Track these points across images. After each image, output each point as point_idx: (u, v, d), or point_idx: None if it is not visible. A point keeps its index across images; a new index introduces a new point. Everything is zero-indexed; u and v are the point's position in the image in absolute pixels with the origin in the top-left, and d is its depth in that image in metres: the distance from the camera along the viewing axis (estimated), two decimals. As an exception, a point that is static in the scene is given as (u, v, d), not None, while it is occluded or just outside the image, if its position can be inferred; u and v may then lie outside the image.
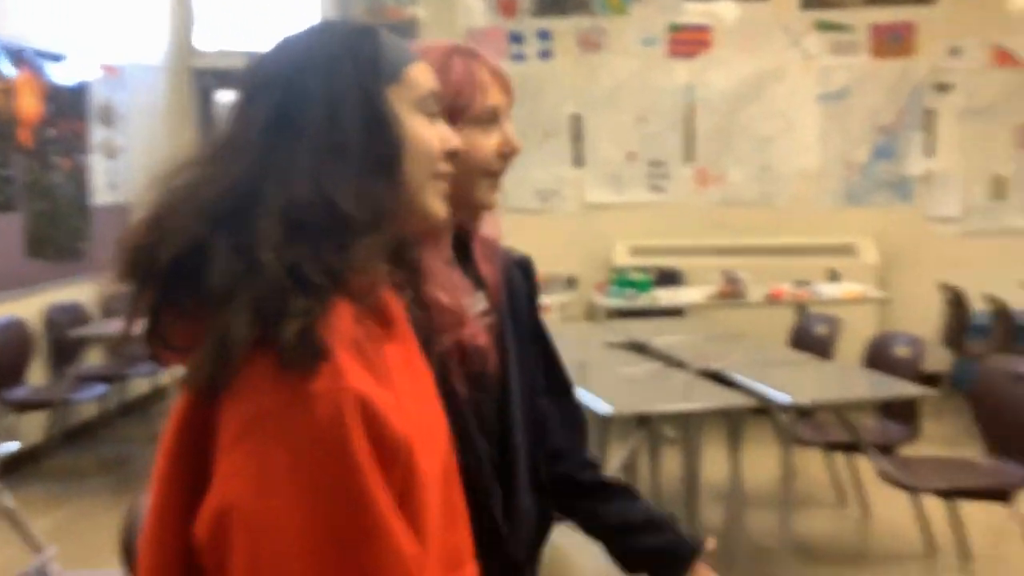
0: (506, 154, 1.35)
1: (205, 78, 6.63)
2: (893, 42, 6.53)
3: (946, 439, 5.08)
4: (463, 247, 1.41)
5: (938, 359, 5.79)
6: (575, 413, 1.56)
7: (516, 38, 6.72)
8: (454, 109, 1.30)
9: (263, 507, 0.85)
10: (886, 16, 6.51)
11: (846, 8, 6.55)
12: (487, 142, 1.34)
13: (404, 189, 0.98)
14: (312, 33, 1.01)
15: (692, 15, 6.68)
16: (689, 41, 6.69)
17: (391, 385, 0.93)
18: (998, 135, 6.50)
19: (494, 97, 1.35)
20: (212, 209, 0.91)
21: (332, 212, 0.92)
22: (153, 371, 5.68)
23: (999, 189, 6.54)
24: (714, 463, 4.10)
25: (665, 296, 5.53)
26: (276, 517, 0.85)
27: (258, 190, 0.91)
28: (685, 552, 1.44)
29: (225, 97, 6.01)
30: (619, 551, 1.47)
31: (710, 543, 1.45)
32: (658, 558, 1.46)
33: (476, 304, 1.38)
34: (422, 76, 1.04)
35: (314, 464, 0.86)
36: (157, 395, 6.08)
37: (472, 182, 1.33)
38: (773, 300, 5.39)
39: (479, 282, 1.41)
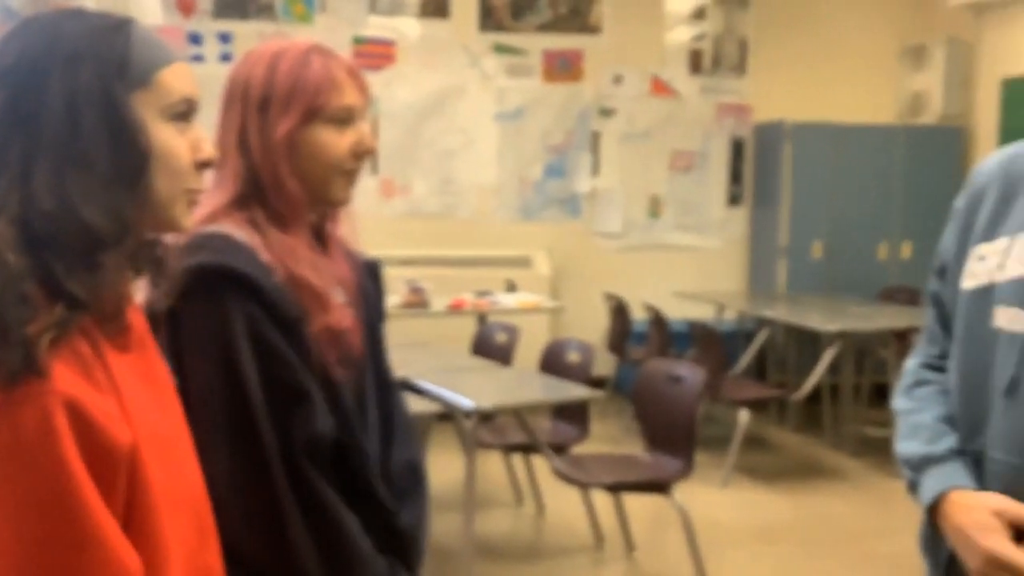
0: (360, 153, 1.40)
1: None
2: (563, 68, 6.97)
3: (611, 438, 5.50)
4: (321, 243, 1.45)
5: (604, 364, 6.23)
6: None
7: (195, 39, 6.49)
8: (312, 107, 1.36)
9: None
10: (557, 43, 6.94)
11: (521, 33, 6.91)
12: (341, 141, 1.38)
13: (150, 201, 0.95)
14: (56, 22, 0.93)
15: (376, 29, 6.77)
16: (374, 54, 6.77)
17: (116, 393, 0.90)
18: (654, 158, 7.11)
19: (350, 97, 1.39)
20: None
21: (76, 225, 0.88)
22: None
23: (655, 207, 7.16)
24: (400, 470, 4.18)
25: (350, 306, 5.55)
26: None
27: None
28: None
29: None
30: None
31: None
32: None
33: (337, 295, 1.41)
34: (177, 81, 0.98)
35: (20, 472, 0.81)
36: None
37: (327, 180, 1.39)
38: (455, 309, 5.57)
39: (335, 278, 1.43)
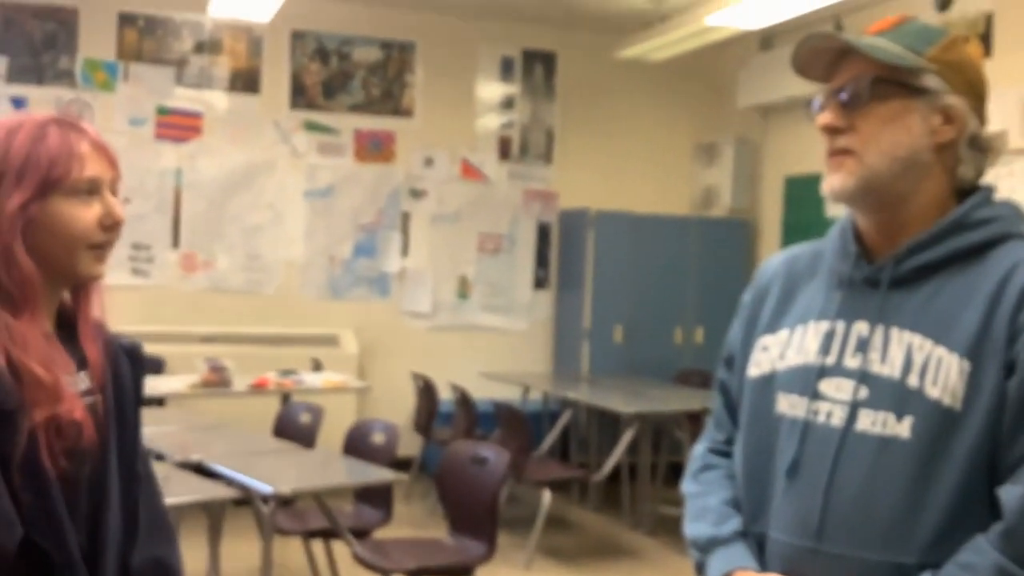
0: (109, 226, 1.35)
1: None
2: (374, 148, 7.02)
3: (417, 520, 5.43)
4: (68, 324, 1.38)
5: (410, 444, 6.19)
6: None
7: (-16, 101, 6.15)
8: (47, 180, 1.30)
9: None
10: (369, 124, 6.99)
11: (333, 112, 6.92)
12: (87, 214, 1.33)
13: None
14: None
15: (183, 100, 6.62)
16: (179, 125, 6.61)
17: None
18: (464, 239, 7.22)
19: (93, 168, 1.34)
20: None
21: None
22: None
23: (464, 288, 7.24)
24: (194, 558, 3.97)
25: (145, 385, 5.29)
26: None
27: None
28: None
29: None
30: None
31: None
32: None
33: (78, 383, 1.34)
34: None
35: None
36: None
37: (73, 254, 1.33)
38: (258, 389, 5.41)
39: (83, 362, 1.37)
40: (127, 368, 1.46)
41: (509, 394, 6.43)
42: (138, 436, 1.48)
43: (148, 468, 1.51)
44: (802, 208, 6.65)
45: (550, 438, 6.30)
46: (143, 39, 6.55)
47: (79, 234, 1.33)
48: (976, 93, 1.38)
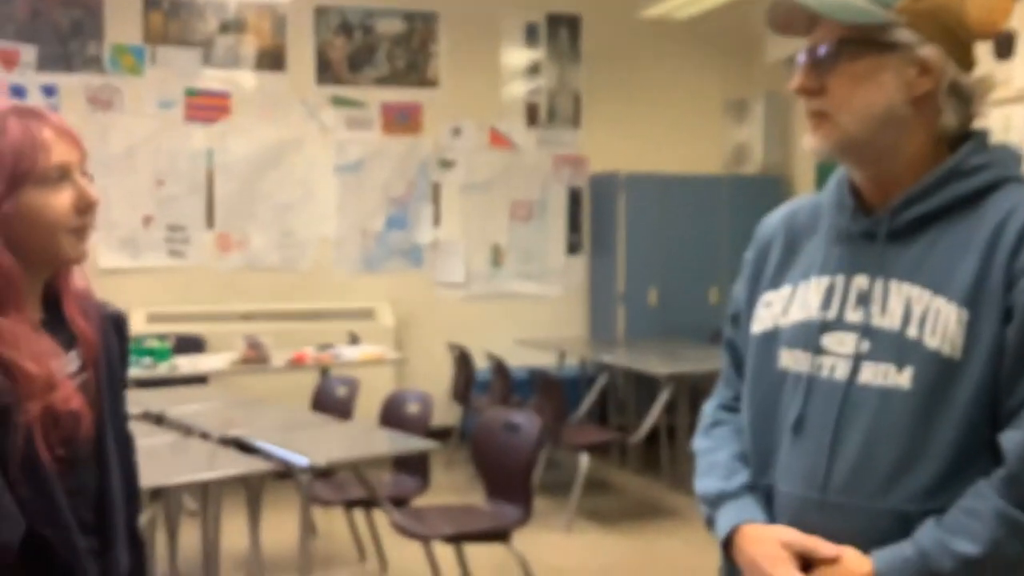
0: (83, 208, 1.36)
1: None
2: (402, 121, 7.03)
3: (456, 487, 5.50)
4: (54, 305, 1.39)
5: (449, 413, 6.25)
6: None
7: (17, 92, 6.24)
8: (16, 174, 1.29)
9: None
10: (395, 96, 7.00)
11: (359, 86, 6.94)
12: (60, 200, 1.33)
13: None
14: None
15: (210, 81, 6.68)
16: (208, 106, 6.67)
17: None
18: (495, 208, 7.23)
19: (60, 154, 1.34)
20: None
21: None
22: None
23: (497, 256, 7.26)
24: (237, 531, 4.07)
25: (186, 364, 5.40)
26: None
27: None
28: None
29: None
30: None
31: None
32: None
33: (68, 364, 1.36)
34: None
35: None
36: None
37: (54, 241, 1.34)
38: (296, 364, 5.49)
39: (72, 340, 1.38)
40: (114, 337, 1.49)
41: (545, 360, 6.46)
42: (125, 399, 1.51)
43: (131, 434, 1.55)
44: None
45: (587, 402, 6.33)
46: (168, 22, 6.60)
47: (56, 221, 1.34)
48: (955, 39, 1.33)
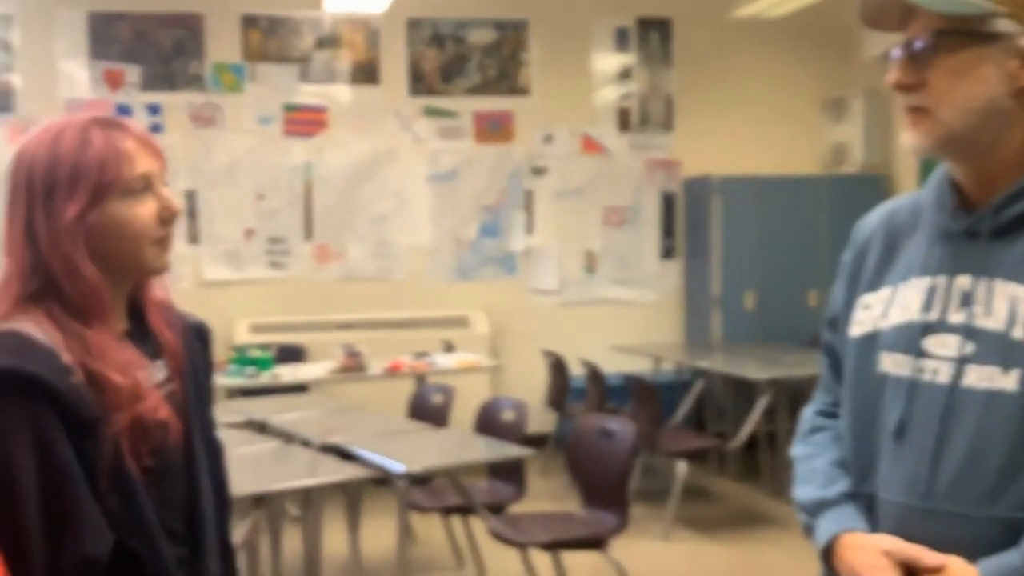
0: (166, 218, 1.36)
1: None
2: (493, 129, 7.08)
3: (552, 494, 5.49)
4: (138, 316, 1.40)
5: (544, 420, 6.26)
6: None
7: (124, 111, 6.48)
8: (99, 185, 1.30)
9: None
10: (487, 105, 7.04)
11: (451, 96, 7.01)
12: (144, 210, 1.34)
13: None
14: None
15: (307, 96, 6.82)
16: (305, 121, 6.82)
17: None
18: (588, 214, 7.21)
19: (143, 165, 1.34)
20: None
21: None
22: None
23: (590, 263, 7.24)
24: (337, 536, 4.14)
25: (288, 373, 5.52)
26: None
27: None
28: None
29: None
30: None
31: None
32: None
33: (155, 374, 1.36)
34: None
35: None
36: None
37: (138, 252, 1.34)
38: (392, 372, 5.56)
39: (158, 350, 1.39)
40: (198, 347, 1.50)
41: (640, 366, 6.41)
42: (212, 408, 1.52)
43: (220, 441, 1.56)
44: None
45: (683, 408, 6.25)
46: (266, 39, 6.77)
47: (140, 232, 1.34)
48: None
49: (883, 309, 1.43)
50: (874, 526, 1.38)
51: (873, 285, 1.47)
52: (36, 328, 1.27)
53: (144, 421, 1.29)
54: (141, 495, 1.29)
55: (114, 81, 6.54)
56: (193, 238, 6.65)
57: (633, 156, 7.26)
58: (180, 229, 6.58)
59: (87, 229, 1.31)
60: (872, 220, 1.54)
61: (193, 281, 6.63)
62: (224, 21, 6.69)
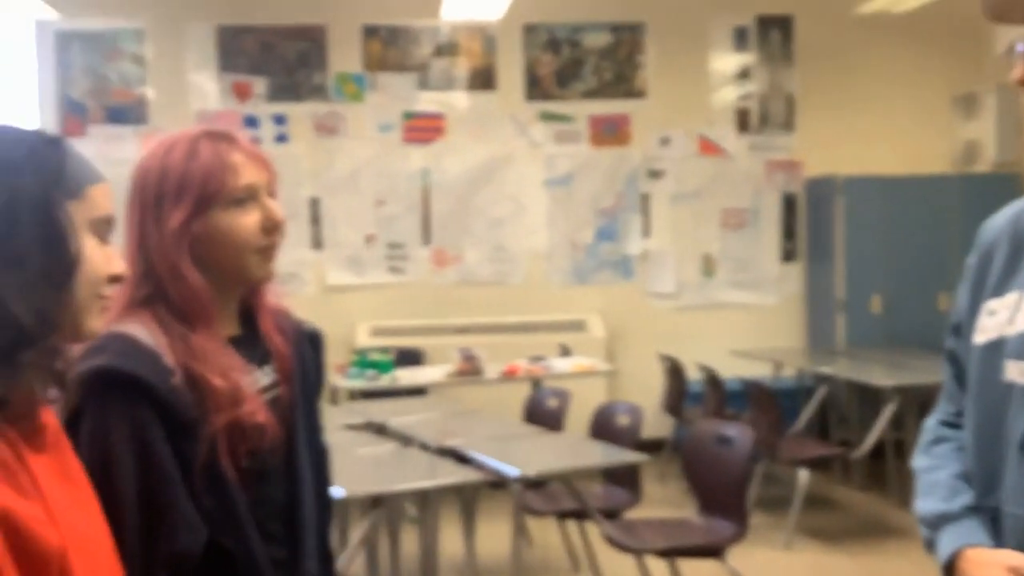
0: (270, 228, 1.40)
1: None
2: (609, 132, 7.05)
3: (669, 500, 5.43)
4: (250, 322, 1.44)
5: (661, 425, 6.20)
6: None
7: (251, 122, 6.71)
8: (204, 195, 1.35)
9: None
10: (603, 108, 7.02)
11: (567, 100, 7.01)
12: (247, 220, 1.38)
13: (70, 303, 1.00)
14: None
15: (426, 103, 6.93)
16: (424, 128, 6.93)
17: (40, 497, 0.92)
18: (705, 217, 7.12)
19: (248, 176, 1.38)
20: None
21: (4, 320, 0.91)
22: None
23: (708, 266, 7.14)
24: (453, 538, 4.19)
25: (406, 376, 5.61)
26: None
27: None
28: None
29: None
30: None
31: None
32: None
33: (261, 379, 1.41)
34: (103, 198, 1.05)
35: None
36: None
37: (242, 261, 1.39)
38: (509, 376, 5.59)
39: (266, 355, 1.44)
40: (310, 354, 1.53)
41: (760, 371, 6.28)
42: (320, 413, 1.55)
43: (326, 446, 1.58)
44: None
45: (805, 415, 6.10)
46: (386, 49, 6.91)
47: (243, 241, 1.38)
48: None
49: (1009, 315, 1.37)
50: (998, 541, 1.33)
51: (999, 290, 1.41)
52: (143, 330, 1.32)
53: (242, 423, 1.33)
54: (235, 495, 1.32)
55: (242, 93, 6.78)
56: (317, 244, 6.83)
57: (752, 157, 7.13)
58: (304, 235, 6.77)
59: (192, 237, 1.36)
60: (998, 221, 1.48)
61: (317, 286, 6.81)
62: (346, 32, 6.86)
